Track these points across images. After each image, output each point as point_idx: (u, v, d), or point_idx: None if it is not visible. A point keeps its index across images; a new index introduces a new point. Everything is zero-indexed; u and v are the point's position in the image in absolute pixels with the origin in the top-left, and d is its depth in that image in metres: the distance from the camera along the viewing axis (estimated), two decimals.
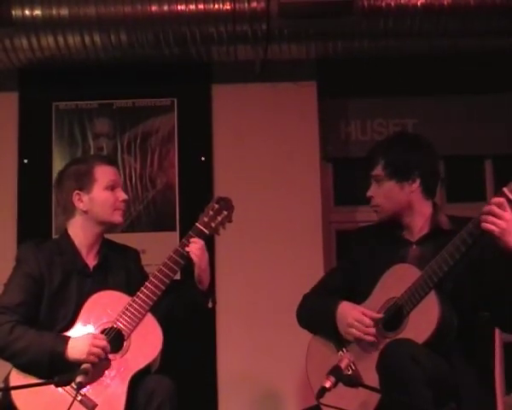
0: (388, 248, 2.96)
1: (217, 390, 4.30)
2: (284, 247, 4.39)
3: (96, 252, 3.07)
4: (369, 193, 3.02)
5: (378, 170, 2.97)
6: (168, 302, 3.03)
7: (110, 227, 3.10)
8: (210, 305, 3.14)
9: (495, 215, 2.59)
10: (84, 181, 3.03)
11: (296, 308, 3.11)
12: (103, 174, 3.05)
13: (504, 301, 2.69)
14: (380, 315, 2.82)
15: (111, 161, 3.23)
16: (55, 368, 2.75)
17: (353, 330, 2.82)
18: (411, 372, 2.54)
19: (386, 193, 2.96)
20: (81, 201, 3.03)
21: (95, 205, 3.02)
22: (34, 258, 2.98)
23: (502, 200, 2.60)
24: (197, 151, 4.50)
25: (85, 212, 3.03)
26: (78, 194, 3.03)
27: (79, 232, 3.05)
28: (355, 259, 3.06)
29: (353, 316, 2.83)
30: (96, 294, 2.95)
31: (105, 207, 3.02)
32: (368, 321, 2.81)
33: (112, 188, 3.04)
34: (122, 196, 3.07)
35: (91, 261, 3.05)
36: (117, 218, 3.05)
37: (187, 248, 3.00)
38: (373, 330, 2.80)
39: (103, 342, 2.81)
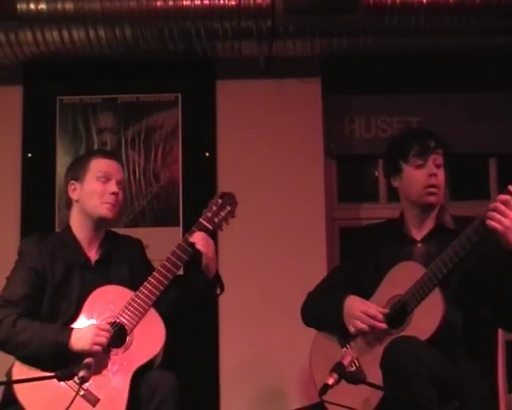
0: (393, 246, 2.96)
1: (219, 386, 4.30)
2: (287, 243, 4.38)
3: (99, 246, 3.06)
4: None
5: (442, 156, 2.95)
6: (174, 294, 3.03)
7: (100, 221, 3.02)
8: (218, 292, 3.15)
9: (500, 213, 2.59)
10: (79, 171, 3.04)
11: (300, 306, 3.11)
12: (96, 165, 3.02)
13: (505, 300, 2.69)
14: (385, 310, 2.82)
15: (111, 154, 3.20)
16: (59, 360, 2.75)
17: (358, 323, 2.82)
18: (415, 369, 2.54)
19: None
20: (75, 190, 3.03)
21: (84, 195, 3.01)
22: (36, 252, 2.97)
23: (508, 198, 2.60)
24: (201, 147, 4.49)
25: (77, 201, 3.03)
26: (72, 183, 3.04)
27: (77, 225, 3.05)
28: (358, 258, 3.06)
29: (360, 309, 2.83)
30: (99, 288, 2.94)
31: (93, 198, 2.99)
32: (373, 311, 2.80)
33: (105, 180, 3.00)
34: (112, 188, 3.00)
35: (94, 255, 3.04)
36: (104, 211, 2.99)
37: (191, 239, 2.99)
38: (380, 317, 2.79)
39: (107, 334, 2.80)
